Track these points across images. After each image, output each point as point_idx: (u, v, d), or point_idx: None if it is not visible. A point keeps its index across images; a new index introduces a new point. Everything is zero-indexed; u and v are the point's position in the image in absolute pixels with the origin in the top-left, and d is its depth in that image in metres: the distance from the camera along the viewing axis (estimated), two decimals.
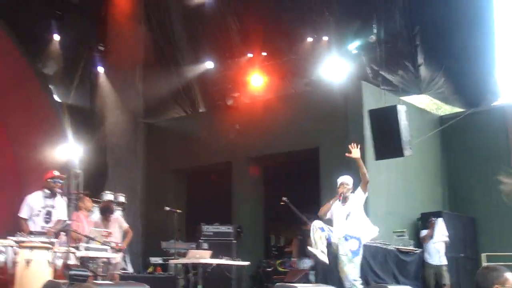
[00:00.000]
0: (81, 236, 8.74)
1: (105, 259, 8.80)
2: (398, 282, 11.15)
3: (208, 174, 16.48)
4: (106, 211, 10.37)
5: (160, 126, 17.02)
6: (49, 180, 8.74)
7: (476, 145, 14.81)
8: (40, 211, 8.58)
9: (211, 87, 17.04)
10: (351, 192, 8.65)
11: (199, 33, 16.67)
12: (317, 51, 15.06)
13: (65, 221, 8.39)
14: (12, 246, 7.05)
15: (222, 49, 16.48)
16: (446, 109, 17.30)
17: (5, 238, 7.24)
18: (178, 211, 11.51)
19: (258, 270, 14.18)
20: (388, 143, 12.22)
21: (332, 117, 13.56)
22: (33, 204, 8.61)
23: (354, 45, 14.48)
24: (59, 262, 7.27)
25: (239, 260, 11.68)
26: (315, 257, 8.42)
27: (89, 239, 8.56)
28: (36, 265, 6.99)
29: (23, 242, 7.16)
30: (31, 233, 7.82)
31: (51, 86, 15.04)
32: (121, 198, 12.46)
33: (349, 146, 8.63)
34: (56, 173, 8.86)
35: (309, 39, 15.31)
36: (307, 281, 10.43)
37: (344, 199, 8.58)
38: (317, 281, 10.04)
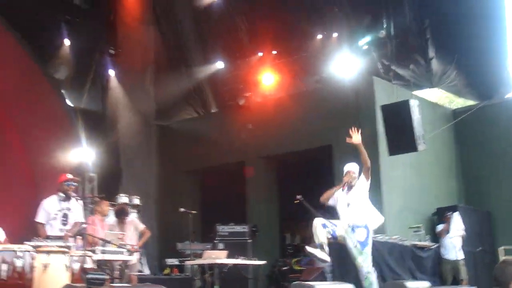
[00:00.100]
0: (97, 239, 8.78)
1: (121, 262, 8.83)
2: (415, 278, 11.09)
3: (222, 174, 16.48)
4: (121, 214, 10.41)
5: (172, 127, 17.03)
6: (63, 183, 8.79)
7: (490, 138, 14.73)
8: (56, 214, 8.62)
9: (222, 87, 17.04)
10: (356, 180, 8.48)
11: (208, 34, 16.69)
12: (327, 48, 15.02)
13: (82, 223, 8.42)
14: (29, 251, 7.07)
15: (232, 49, 16.49)
16: (458, 103, 17.20)
17: (21, 243, 7.27)
18: (193, 212, 11.52)
19: (274, 269, 14.18)
20: (401, 138, 12.19)
21: (344, 113, 13.51)
22: (49, 208, 8.65)
23: (364, 41, 14.41)
24: (76, 266, 7.29)
25: (255, 260, 11.68)
26: (314, 257, 8.27)
27: (105, 242, 8.58)
28: (53, 269, 7.01)
29: (40, 246, 7.18)
30: (47, 237, 7.85)
31: (63, 91, 15.11)
32: (136, 201, 12.51)
33: (349, 131, 8.44)
34: (70, 176, 8.90)
35: (319, 36, 15.27)
36: (324, 278, 10.38)
37: (349, 188, 8.41)
38: (333, 279, 9.99)
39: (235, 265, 10.86)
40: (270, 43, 15.69)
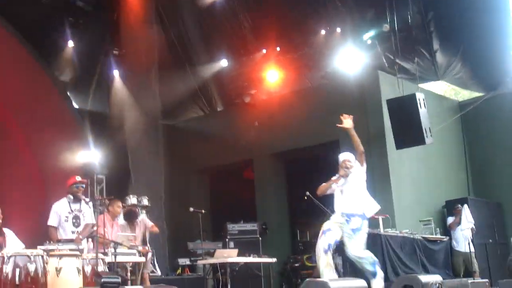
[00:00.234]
0: (108, 241, 8.79)
1: (133, 263, 8.85)
2: (427, 271, 11.09)
3: (230, 173, 16.48)
4: (130, 216, 10.45)
5: (179, 127, 17.05)
6: (72, 186, 8.82)
7: (498, 129, 14.71)
8: (67, 217, 8.66)
9: (227, 85, 17.03)
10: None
11: (212, 32, 16.66)
12: (331, 43, 14.99)
13: (93, 225, 8.44)
14: (41, 255, 7.08)
15: (236, 46, 16.46)
16: (464, 95, 17.18)
17: (33, 247, 7.28)
18: (203, 211, 11.52)
19: (286, 266, 14.18)
20: (408, 132, 12.20)
21: (350, 108, 13.36)
22: (60, 211, 8.69)
23: (368, 35, 14.39)
24: (89, 269, 7.30)
25: (266, 257, 11.67)
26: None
27: (117, 244, 8.59)
28: (66, 273, 7.02)
29: (52, 250, 7.18)
30: (59, 241, 7.86)
31: (68, 93, 15.10)
32: (145, 201, 12.50)
33: (341, 117, 8.31)
34: (78, 178, 8.94)
35: (323, 32, 15.23)
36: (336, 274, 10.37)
37: (346, 177, 8.25)
38: (345, 274, 9.98)
39: (246, 263, 10.87)
40: (274, 40, 15.65)
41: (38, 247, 7.18)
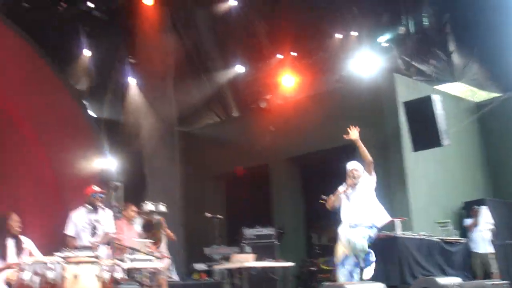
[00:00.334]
0: (125, 247, 8.81)
1: (151, 269, 8.87)
2: (445, 274, 11.01)
3: (245, 178, 16.49)
4: (149, 227, 10.49)
5: (195, 133, 17.10)
6: (90, 195, 8.84)
7: None
8: (84, 226, 8.68)
9: (243, 91, 17.08)
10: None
11: (227, 38, 16.72)
12: (347, 47, 15.00)
13: (111, 234, 8.48)
14: (59, 263, 7.12)
15: (251, 52, 16.51)
16: (481, 95, 17.07)
17: (51, 254, 7.33)
18: (219, 216, 11.54)
19: (302, 270, 14.15)
20: (425, 134, 12.17)
21: (367, 111, 13.46)
22: (78, 221, 8.71)
23: (384, 38, 14.38)
24: (107, 276, 7.33)
25: (282, 261, 11.66)
26: None
27: (134, 250, 8.61)
28: (84, 279, 7.04)
29: (69, 257, 7.22)
30: (75, 248, 7.90)
31: (85, 102, 15.22)
32: (162, 208, 12.53)
33: (348, 129, 8.25)
34: (96, 188, 8.94)
35: (338, 36, 15.23)
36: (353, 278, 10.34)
37: (354, 186, 8.17)
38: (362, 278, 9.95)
39: (263, 267, 10.86)
40: (289, 45, 15.69)
41: (56, 254, 7.22)
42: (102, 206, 8.87)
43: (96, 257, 7.40)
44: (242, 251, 12.83)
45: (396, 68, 14.33)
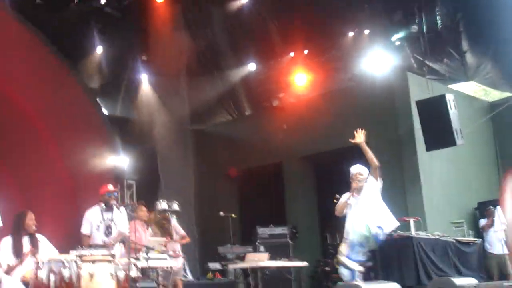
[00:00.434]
0: (140, 246, 8.81)
1: (166, 268, 8.87)
2: (460, 274, 10.96)
3: (259, 176, 16.47)
4: (162, 228, 10.47)
5: (208, 131, 17.12)
6: (104, 195, 8.84)
7: None
8: (99, 225, 8.69)
9: (255, 89, 17.02)
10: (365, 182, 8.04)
11: (239, 36, 16.67)
12: (359, 45, 14.93)
13: (126, 232, 8.48)
14: (74, 261, 7.13)
15: (263, 50, 16.44)
16: (495, 95, 16.98)
17: (65, 253, 7.33)
18: (233, 215, 11.53)
19: (317, 269, 14.13)
20: (438, 133, 12.11)
21: (379, 110, 13.44)
22: (92, 219, 8.72)
23: (397, 37, 14.30)
24: (122, 274, 7.33)
25: (296, 261, 11.64)
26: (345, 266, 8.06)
27: (148, 249, 8.62)
28: (99, 278, 7.05)
29: (84, 255, 7.23)
30: (90, 246, 7.90)
31: (98, 99, 15.23)
32: (175, 206, 12.51)
33: (354, 132, 8.18)
34: (111, 187, 8.94)
35: (351, 34, 15.17)
36: (368, 278, 10.32)
37: (358, 191, 8.03)
38: (377, 278, 9.92)
39: (277, 267, 10.84)
40: (301, 43, 15.62)
41: (71, 251, 7.23)
42: (117, 205, 8.88)
43: (112, 255, 7.41)
44: (256, 250, 12.84)
45: (409, 66, 14.27)
